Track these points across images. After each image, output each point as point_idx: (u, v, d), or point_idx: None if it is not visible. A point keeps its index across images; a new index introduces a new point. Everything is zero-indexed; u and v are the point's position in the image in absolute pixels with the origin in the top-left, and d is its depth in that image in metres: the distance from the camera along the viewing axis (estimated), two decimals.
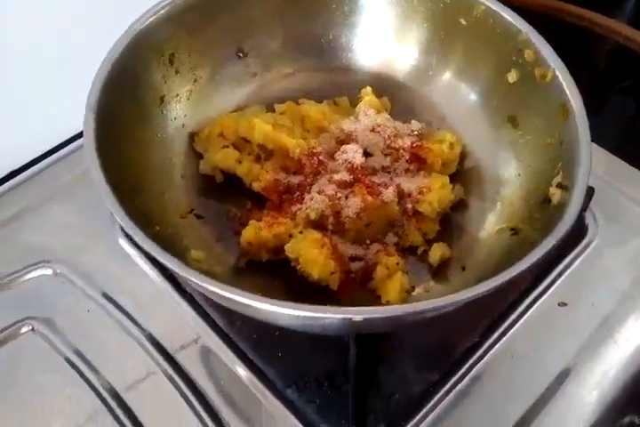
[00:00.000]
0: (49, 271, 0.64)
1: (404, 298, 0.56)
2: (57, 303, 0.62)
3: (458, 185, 0.63)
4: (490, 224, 0.61)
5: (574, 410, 0.57)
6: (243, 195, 0.63)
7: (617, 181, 0.72)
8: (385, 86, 0.70)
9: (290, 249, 0.56)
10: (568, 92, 0.55)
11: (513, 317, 0.61)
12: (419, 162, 0.64)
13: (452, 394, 0.57)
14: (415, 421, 0.55)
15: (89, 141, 0.49)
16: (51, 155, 0.74)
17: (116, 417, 0.55)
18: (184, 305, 0.61)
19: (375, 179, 0.61)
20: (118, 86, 0.54)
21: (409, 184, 0.61)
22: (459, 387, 0.57)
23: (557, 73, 0.56)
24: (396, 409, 0.55)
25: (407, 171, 0.63)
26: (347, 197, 0.58)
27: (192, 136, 0.65)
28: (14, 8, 0.68)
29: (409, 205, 0.61)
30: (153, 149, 0.60)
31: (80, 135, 0.73)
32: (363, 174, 0.61)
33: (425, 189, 0.61)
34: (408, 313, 0.42)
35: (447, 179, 0.62)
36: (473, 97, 0.67)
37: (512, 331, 0.61)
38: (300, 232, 0.57)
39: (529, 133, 0.60)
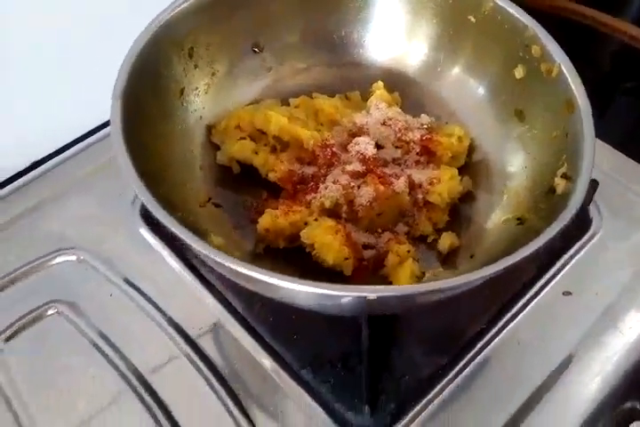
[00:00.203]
0: (73, 258, 0.65)
1: (414, 283, 0.57)
2: (81, 288, 0.62)
3: (466, 177, 0.64)
4: (496, 215, 0.62)
5: (577, 396, 0.57)
6: (259, 185, 0.64)
7: (621, 176, 0.72)
8: (396, 82, 0.71)
9: (305, 235, 0.57)
10: (573, 87, 0.56)
11: (519, 304, 0.62)
12: (428, 154, 0.65)
13: (459, 378, 0.58)
14: (424, 402, 0.56)
15: (116, 129, 0.49)
16: (69, 148, 0.75)
17: (141, 398, 0.56)
18: (204, 291, 0.62)
19: (387, 170, 0.62)
20: (141, 80, 0.55)
21: (419, 175, 0.62)
22: (466, 371, 0.58)
23: (563, 68, 0.57)
24: (406, 390, 0.56)
25: (417, 163, 0.64)
26: (359, 187, 0.59)
27: (209, 128, 0.65)
28: (14, 8, 0.67)
29: (419, 196, 0.62)
30: (175, 142, 0.61)
31: (100, 127, 0.76)
32: (375, 165, 0.61)
33: (435, 181, 0.62)
34: (420, 292, 0.43)
35: (456, 171, 0.63)
36: (481, 92, 0.67)
37: (518, 318, 0.62)
38: (315, 220, 0.58)
39: (535, 127, 0.61)
